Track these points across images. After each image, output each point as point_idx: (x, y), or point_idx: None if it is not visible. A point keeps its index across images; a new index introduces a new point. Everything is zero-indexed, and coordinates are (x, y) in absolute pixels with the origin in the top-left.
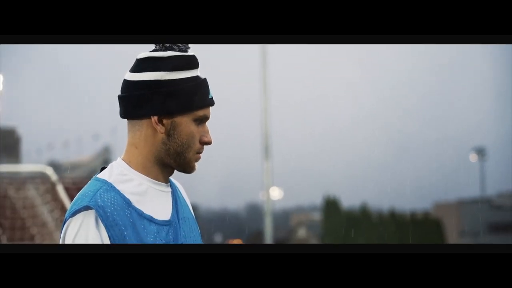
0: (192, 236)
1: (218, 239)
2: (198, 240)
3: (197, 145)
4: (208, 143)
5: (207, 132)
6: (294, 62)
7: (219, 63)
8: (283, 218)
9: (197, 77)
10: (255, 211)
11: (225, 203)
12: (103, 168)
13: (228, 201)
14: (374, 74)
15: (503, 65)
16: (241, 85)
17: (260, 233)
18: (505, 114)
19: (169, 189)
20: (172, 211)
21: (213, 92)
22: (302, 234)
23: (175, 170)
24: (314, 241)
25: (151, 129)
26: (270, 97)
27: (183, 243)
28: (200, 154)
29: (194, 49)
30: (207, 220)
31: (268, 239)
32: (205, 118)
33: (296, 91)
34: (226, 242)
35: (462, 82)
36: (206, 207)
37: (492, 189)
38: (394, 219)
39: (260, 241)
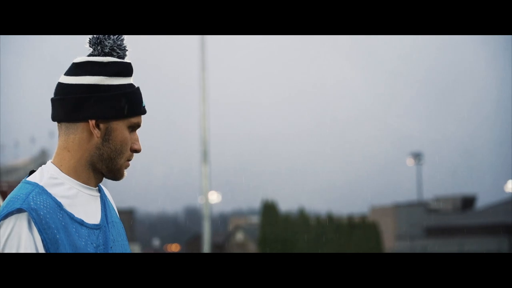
0: (120, 240)
1: (156, 243)
2: (126, 244)
3: (129, 152)
4: (138, 150)
5: (137, 140)
6: (233, 67)
7: (157, 68)
8: (221, 222)
9: (132, 84)
10: (193, 215)
11: (164, 207)
12: (31, 172)
13: (166, 205)
14: (316, 80)
15: (443, 73)
16: (180, 89)
17: (198, 237)
18: (441, 119)
19: (98, 194)
20: (101, 215)
21: (152, 98)
22: (240, 238)
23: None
24: (251, 245)
25: (86, 133)
26: (209, 102)
27: (112, 247)
28: (130, 162)
29: (132, 53)
30: (146, 224)
31: (206, 243)
32: (137, 125)
33: (235, 96)
34: (164, 246)
35: (399, 87)
36: (144, 212)
37: (428, 193)
38: (331, 222)
39: (198, 245)
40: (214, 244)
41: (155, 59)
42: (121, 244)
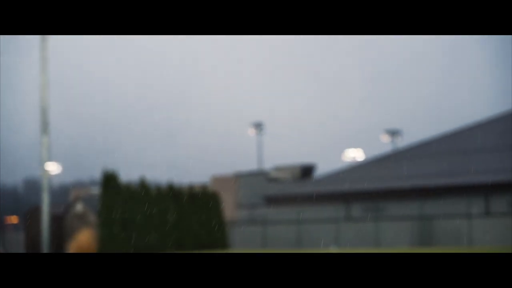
0: None
1: None
2: None
3: None
4: None
5: None
6: (76, 36)
7: None
8: (62, 193)
9: None
10: (33, 187)
11: (2, 179)
12: None
13: (5, 177)
14: (162, 51)
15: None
16: (20, 58)
17: (37, 209)
18: (282, 90)
19: None
20: None
21: None
22: (79, 209)
23: None
24: (91, 215)
25: None
26: (49, 72)
27: None
28: None
29: None
30: None
31: (45, 214)
32: None
33: (78, 67)
34: (2, 218)
35: (243, 60)
36: None
37: (269, 162)
38: (172, 192)
39: (38, 217)
40: (53, 216)
41: None
42: None
